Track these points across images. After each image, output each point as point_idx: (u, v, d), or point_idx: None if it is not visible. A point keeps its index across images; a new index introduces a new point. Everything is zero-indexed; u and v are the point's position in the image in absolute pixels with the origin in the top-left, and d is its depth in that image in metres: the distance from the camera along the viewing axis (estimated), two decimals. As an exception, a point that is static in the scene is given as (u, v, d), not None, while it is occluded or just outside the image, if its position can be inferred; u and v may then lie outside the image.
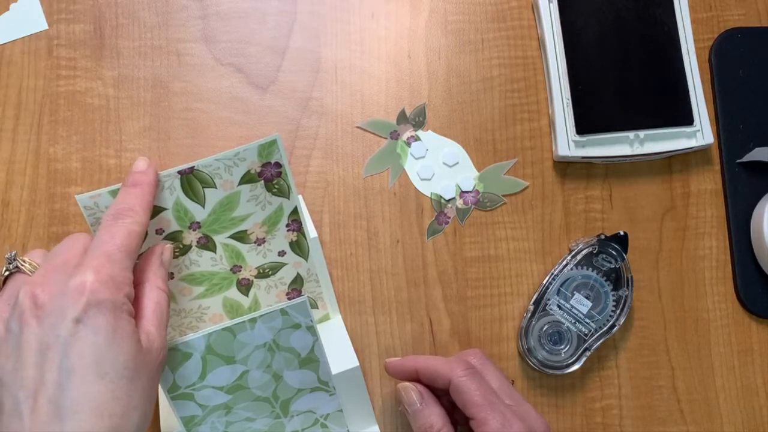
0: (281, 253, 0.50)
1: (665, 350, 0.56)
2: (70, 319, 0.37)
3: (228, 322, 0.45)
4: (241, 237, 0.48)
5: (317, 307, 0.53)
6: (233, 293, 0.50)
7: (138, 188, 0.43)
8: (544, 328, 0.53)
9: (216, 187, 0.46)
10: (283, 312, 0.45)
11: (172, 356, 0.45)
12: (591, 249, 0.54)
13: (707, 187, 0.58)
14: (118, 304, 0.39)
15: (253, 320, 0.45)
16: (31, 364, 0.37)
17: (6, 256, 0.43)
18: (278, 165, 0.46)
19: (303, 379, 0.48)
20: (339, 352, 0.50)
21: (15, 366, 0.38)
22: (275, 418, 0.48)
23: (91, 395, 0.37)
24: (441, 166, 0.57)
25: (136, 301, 0.42)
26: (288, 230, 0.49)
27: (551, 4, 0.57)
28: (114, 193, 0.44)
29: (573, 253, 0.54)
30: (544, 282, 0.54)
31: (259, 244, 0.49)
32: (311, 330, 0.46)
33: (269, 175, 0.46)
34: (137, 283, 0.43)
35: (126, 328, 0.39)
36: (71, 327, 0.37)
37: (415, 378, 0.49)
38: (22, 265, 0.42)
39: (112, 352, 0.38)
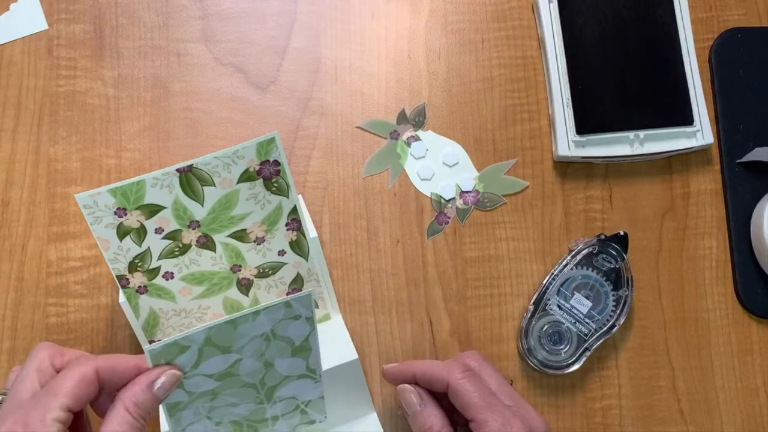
0: (281, 253, 0.50)
1: (665, 350, 0.56)
2: None
3: (231, 316, 0.44)
4: (240, 236, 0.48)
5: (318, 307, 0.53)
6: (233, 293, 0.50)
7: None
8: (544, 328, 0.53)
9: (215, 186, 0.46)
10: (287, 305, 0.45)
11: (170, 350, 0.44)
12: (591, 249, 0.54)
13: (707, 187, 0.58)
14: None
15: (256, 313, 0.45)
16: None
17: None
18: (277, 163, 0.46)
19: (292, 367, 0.47)
20: (339, 348, 0.50)
21: None
22: (258, 403, 0.48)
23: None
24: (441, 166, 0.57)
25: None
26: (288, 229, 0.49)
27: (551, 4, 0.57)
28: (113, 192, 0.44)
29: (573, 253, 0.54)
30: (544, 282, 0.54)
31: (259, 244, 0.49)
32: (310, 321, 0.45)
33: (268, 174, 0.46)
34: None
35: None
36: None
37: (414, 383, 0.49)
38: None
39: None
